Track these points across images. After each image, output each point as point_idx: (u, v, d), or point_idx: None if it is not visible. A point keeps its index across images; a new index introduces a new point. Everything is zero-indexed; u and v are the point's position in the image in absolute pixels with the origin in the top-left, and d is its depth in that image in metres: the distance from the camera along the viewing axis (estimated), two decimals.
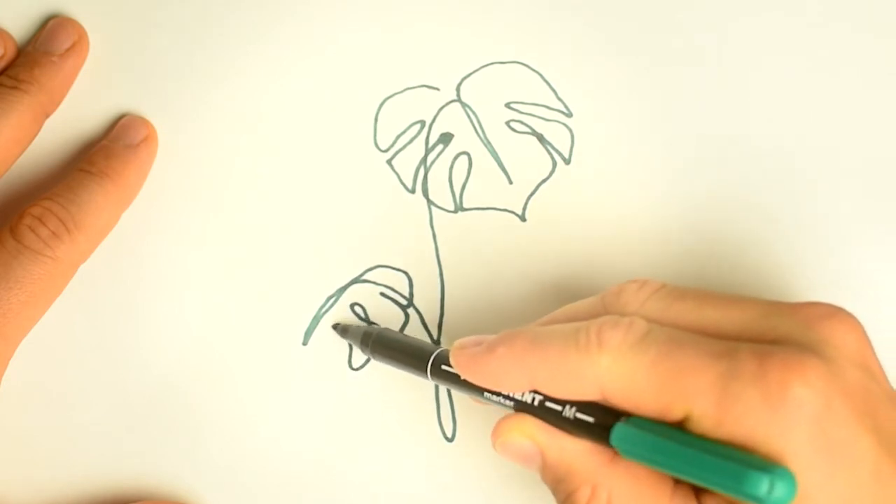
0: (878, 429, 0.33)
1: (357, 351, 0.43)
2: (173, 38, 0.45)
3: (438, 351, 0.40)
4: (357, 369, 0.43)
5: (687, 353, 0.34)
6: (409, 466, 0.43)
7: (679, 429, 0.33)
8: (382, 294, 0.44)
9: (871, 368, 0.34)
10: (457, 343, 0.38)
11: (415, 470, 0.43)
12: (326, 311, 0.43)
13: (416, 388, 0.43)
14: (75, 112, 0.44)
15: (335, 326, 0.43)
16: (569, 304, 0.39)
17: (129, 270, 0.44)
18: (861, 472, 0.32)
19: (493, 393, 0.37)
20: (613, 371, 0.34)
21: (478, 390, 0.38)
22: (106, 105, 0.45)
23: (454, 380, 0.38)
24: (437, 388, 0.43)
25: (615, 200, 0.43)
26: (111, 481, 0.43)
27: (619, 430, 0.34)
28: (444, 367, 0.39)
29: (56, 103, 0.44)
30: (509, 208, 0.44)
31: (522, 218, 0.44)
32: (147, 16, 0.45)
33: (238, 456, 0.43)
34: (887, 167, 0.43)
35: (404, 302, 0.44)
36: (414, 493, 0.43)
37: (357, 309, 0.43)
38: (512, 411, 0.37)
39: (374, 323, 0.43)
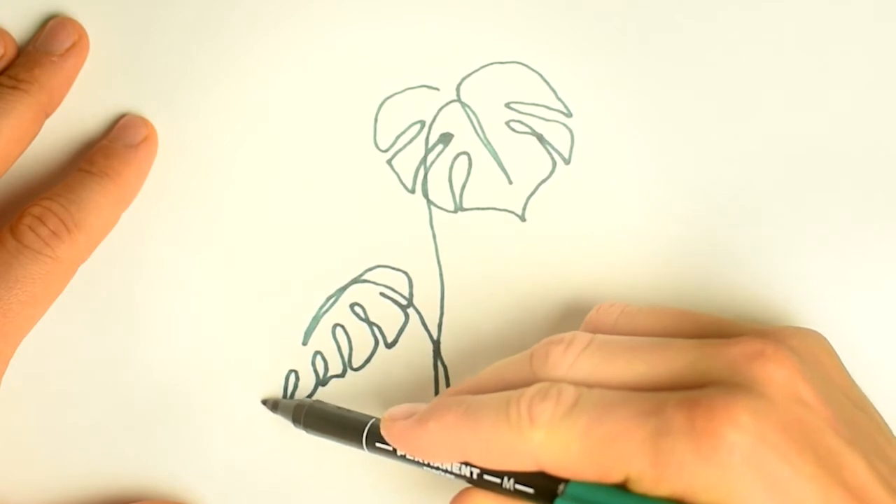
0: (821, 458, 0.33)
1: (357, 351, 0.43)
2: (173, 38, 0.45)
3: (372, 422, 0.40)
4: (357, 369, 0.43)
5: (617, 416, 0.33)
6: (408, 467, 0.43)
7: (621, 489, 0.33)
8: (382, 294, 0.44)
9: (804, 400, 0.34)
10: (387, 414, 0.38)
11: (414, 470, 0.43)
12: (326, 311, 0.43)
13: (415, 388, 0.43)
14: (75, 112, 0.44)
15: (265, 402, 0.43)
16: (498, 361, 0.38)
17: (129, 270, 0.44)
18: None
19: (430, 466, 0.38)
20: (547, 445, 0.34)
21: (416, 461, 0.38)
22: (106, 105, 0.45)
23: (391, 451, 0.39)
24: (436, 388, 0.43)
25: (615, 200, 0.43)
26: (111, 481, 0.43)
27: None
28: (378, 444, 0.39)
29: (56, 103, 0.44)
30: (509, 208, 0.44)
31: (522, 218, 0.44)
32: (147, 16, 0.45)
33: (238, 456, 0.43)
34: (887, 168, 0.43)
35: (404, 302, 0.44)
36: (414, 492, 0.43)
37: (357, 309, 0.43)
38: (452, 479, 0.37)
39: (374, 323, 0.43)
